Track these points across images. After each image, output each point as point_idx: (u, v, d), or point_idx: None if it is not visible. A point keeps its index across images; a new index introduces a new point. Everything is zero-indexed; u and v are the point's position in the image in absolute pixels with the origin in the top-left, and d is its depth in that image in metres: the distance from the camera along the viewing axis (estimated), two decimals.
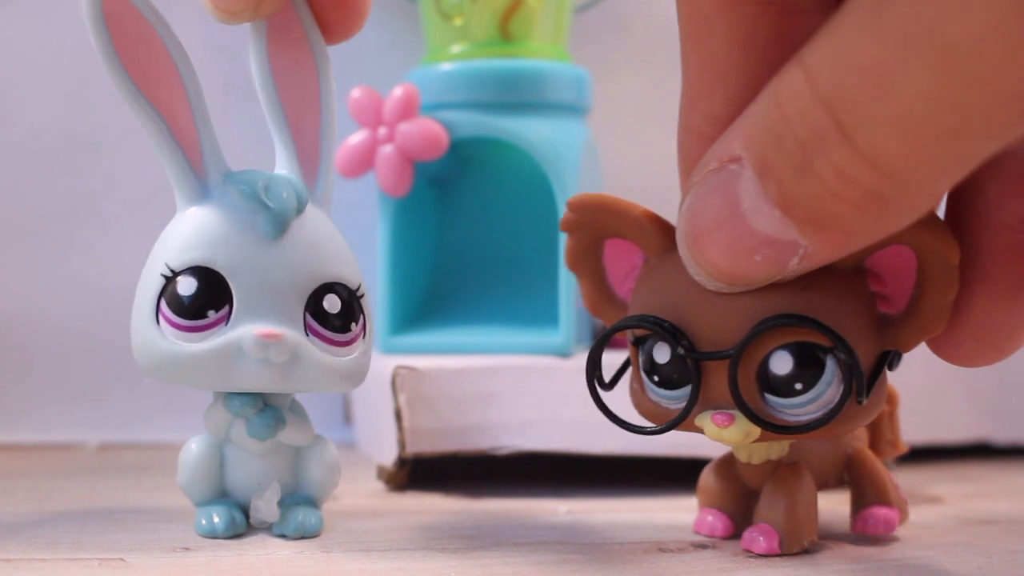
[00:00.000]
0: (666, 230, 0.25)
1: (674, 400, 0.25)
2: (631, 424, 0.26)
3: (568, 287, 0.39)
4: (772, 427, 0.24)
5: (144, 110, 0.26)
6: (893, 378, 0.27)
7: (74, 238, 0.45)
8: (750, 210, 0.21)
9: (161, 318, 0.26)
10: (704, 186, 0.22)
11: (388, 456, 0.36)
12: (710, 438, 0.25)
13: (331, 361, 0.27)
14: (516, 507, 0.33)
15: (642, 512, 0.33)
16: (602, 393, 0.27)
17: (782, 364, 0.24)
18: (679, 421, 0.25)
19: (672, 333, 0.24)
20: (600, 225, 0.27)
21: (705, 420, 0.25)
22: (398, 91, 0.39)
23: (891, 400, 0.32)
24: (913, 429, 0.33)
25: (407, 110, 0.39)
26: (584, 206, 0.26)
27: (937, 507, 0.34)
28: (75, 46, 0.45)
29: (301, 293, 0.27)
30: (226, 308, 0.26)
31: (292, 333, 0.26)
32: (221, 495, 0.28)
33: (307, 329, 0.27)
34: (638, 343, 0.26)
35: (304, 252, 0.27)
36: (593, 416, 0.36)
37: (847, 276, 0.24)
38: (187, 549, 0.26)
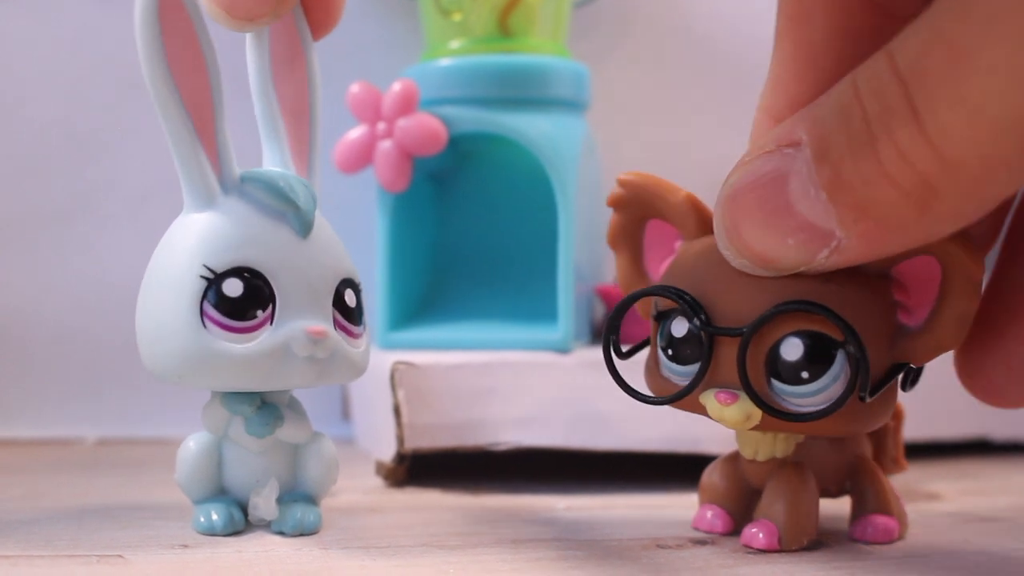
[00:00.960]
0: (706, 216, 0.26)
1: (684, 376, 0.26)
2: (637, 392, 0.26)
3: (567, 283, 0.38)
4: (773, 412, 0.24)
5: (175, 106, 0.25)
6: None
7: (72, 235, 0.45)
8: (795, 190, 0.21)
9: (208, 320, 0.26)
10: (755, 164, 0.22)
11: (387, 452, 0.36)
12: (711, 416, 0.25)
13: (354, 354, 0.28)
14: (515, 503, 0.33)
15: (640, 508, 0.33)
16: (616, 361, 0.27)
17: (792, 350, 0.24)
18: (684, 394, 0.25)
19: (690, 305, 0.25)
20: (645, 205, 0.27)
21: (709, 398, 0.25)
22: (397, 86, 0.39)
23: (897, 415, 0.32)
24: (912, 425, 0.33)
25: (406, 105, 0.39)
26: (632, 184, 0.27)
27: (935, 504, 0.34)
28: (74, 44, 0.45)
29: (329, 289, 0.27)
30: (270, 308, 0.26)
31: (331, 329, 0.27)
32: (220, 492, 0.28)
33: (335, 324, 0.27)
34: (659, 318, 0.26)
35: (325, 249, 0.27)
36: (592, 412, 0.36)
37: (872, 280, 0.24)
38: (185, 546, 0.26)
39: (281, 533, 0.28)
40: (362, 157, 0.39)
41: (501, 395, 0.36)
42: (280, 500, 0.28)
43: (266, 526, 0.28)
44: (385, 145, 0.39)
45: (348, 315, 0.28)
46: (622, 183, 0.27)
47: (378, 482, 0.36)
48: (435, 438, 0.35)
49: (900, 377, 0.26)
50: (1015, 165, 0.19)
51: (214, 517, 0.27)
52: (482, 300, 0.41)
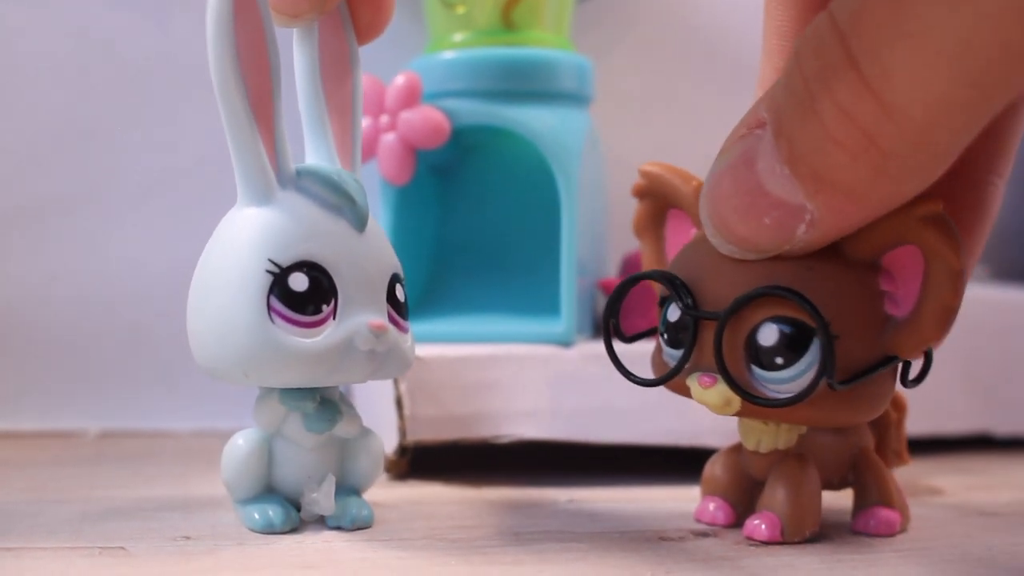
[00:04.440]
0: None
1: (677, 360, 0.26)
2: (629, 372, 0.27)
3: (570, 276, 0.38)
4: (746, 396, 0.24)
5: (240, 101, 0.25)
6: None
7: (75, 226, 0.45)
8: (764, 170, 0.22)
9: (275, 315, 0.25)
10: (731, 152, 0.23)
11: (389, 444, 0.36)
12: (695, 399, 0.25)
13: (406, 348, 0.28)
14: (517, 496, 0.33)
15: (643, 501, 0.33)
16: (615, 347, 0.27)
17: (768, 336, 0.24)
18: (670, 376, 0.26)
19: (676, 289, 0.25)
20: (664, 194, 0.28)
21: (692, 381, 0.25)
22: (400, 79, 0.39)
23: (899, 408, 0.32)
24: (914, 420, 0.33)
25: (409, 98, 0.39)
26: (650, 174, 0.28)
27: (938, 499, 0.34)
28: (78, 34, 0.45)
29: (384, 283, 0.27)
30: (333, 302, 0.26)
31: (388, 323, 0.27)
32: (266, 490, 0.28)
33: (388, 318, 0.27)
34: (662, 304, 0.27)
35: (378, 243, 0.27)
36: (594, 405, 0.36)
37: (858, 269, 0.24)
38: (188, 538, 0.26)
39: (338, 528, 0.28)
40: (365, 150, 0.39)
41: (503, 388, 0.36)
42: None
43: (319, 521, 0.28)
44: (388, 138, 0.39)
45: (399, 309, 0.28)
46: (642, 173, 0.28)
47: (380, 475, 0.36)
48: (437, 431, 0.35)
49: (900, 371, 0.26)
50: (958, 104, 0.19)
51: (270, 513, 0.27)
52: (485, 293, 0.41)
